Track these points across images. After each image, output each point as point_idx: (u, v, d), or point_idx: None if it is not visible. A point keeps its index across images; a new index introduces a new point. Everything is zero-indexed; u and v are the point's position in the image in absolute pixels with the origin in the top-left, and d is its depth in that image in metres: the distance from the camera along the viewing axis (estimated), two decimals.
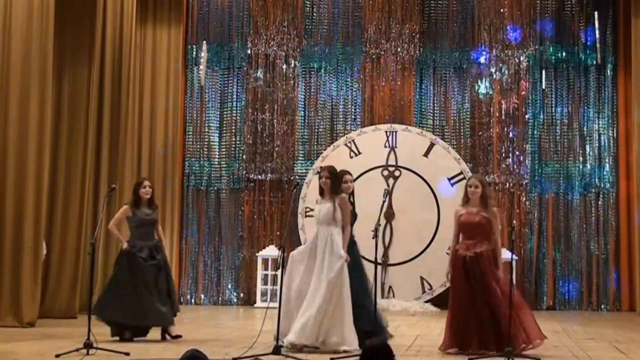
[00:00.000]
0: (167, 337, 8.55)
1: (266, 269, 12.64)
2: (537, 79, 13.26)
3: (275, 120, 13.36)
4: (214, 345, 8.10)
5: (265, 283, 12.62)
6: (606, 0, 13.20)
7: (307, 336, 7.57)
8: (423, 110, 13.37)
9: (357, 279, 7.87)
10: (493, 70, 13.25)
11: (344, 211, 7.88)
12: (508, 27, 13.26)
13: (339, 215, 7.84)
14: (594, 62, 13.10)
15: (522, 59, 13.24)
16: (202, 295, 13.21)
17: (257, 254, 12.89)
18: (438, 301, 12.43)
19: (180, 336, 8.52)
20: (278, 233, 13.00)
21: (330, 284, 7.63)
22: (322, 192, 8.02)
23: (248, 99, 13.44)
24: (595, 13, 12.94)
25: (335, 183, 8.02)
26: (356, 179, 12.51)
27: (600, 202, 12.99)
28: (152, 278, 8.46)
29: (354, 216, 8.17)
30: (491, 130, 13.18)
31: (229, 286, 13.22)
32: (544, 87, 13.23)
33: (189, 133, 13.44)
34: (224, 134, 13.47)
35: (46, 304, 10.37)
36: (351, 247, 7.93)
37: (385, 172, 12.75)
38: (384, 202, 8.02)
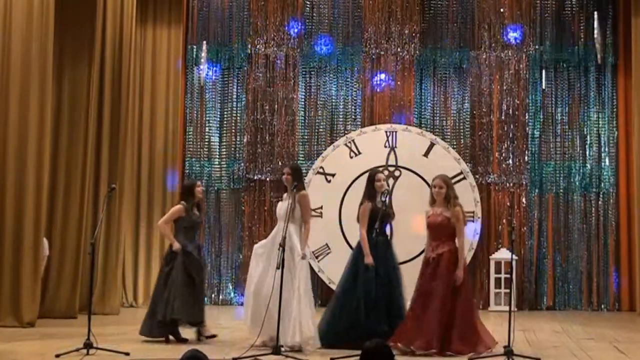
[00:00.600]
0: (202, 337, 8.52)
1: None
2: (537, 79, 13.26)
3: (275, 120, 13.36)
4: (214, 345, 8.10)
5: None
6: (606, 0, 13.20)
7: (272, 334, 7.66)
8: (423, 110, 13.37)
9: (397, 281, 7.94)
10: (493, 70, 13.24)
11: (304, 208, 7.99)
12: (508, 28, 13.25)
13: (298, 212, 7.92)
14: (594, 62, 13.10)
15: (522, 59, 13.23)
16: None
17: None
18: None
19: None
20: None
21: (290, 283, 7.76)
22: (285, 189, 8.11)
23: (248, 99, 13.44)
24: (595, 13, 12.93)
25: (298, 180, 8.06)
26: (356, 179, 12.60)
27: (600, 202, 12.99)
28: (204, 277, 8.73)
29: (389, 215, 8.21)
30: (491, 130, 13.18)
31: (229, 286, 13.22)
32: (544, 87, 13.23)
33: (189, 133, 13.44)
34: (224, 134, 13.47)
35: (46, 304, 10.38)
36: (387, 248, 8.01)
37: (385, 172, 12.74)
38: (384, 202, 8.03)
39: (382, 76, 13.35)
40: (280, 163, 13.22)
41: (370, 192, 8.32)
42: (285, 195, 8.19)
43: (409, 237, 12.64)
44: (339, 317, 8.17)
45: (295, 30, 13.47)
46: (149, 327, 8.47)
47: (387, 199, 8.15)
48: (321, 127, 13.39)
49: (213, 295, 13.22)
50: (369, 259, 8.10)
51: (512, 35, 13.25)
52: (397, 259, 8.56)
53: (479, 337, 7.76)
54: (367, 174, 12.66)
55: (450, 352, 7.57)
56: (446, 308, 7.66)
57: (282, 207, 8.06)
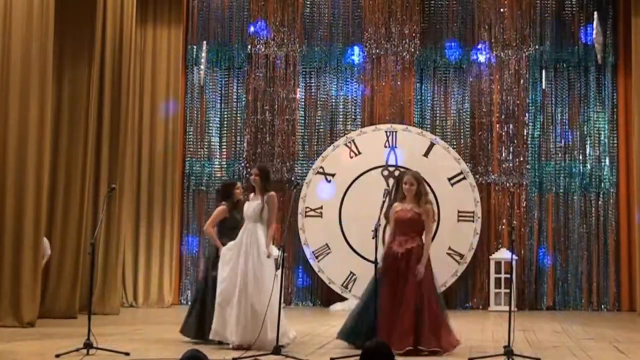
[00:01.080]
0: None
1: None
2: (537, 79, 13.26)
3: (275, 120, 13.36)
4: (214, 345, 8.10)
5: None
6: (606, 0, 13.20)
7: (245, 335, 7.71)
8: (423, 110, 13.37)
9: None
10: (493, 70, 13.24)
11: (271, 209, 8.07)
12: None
13: (266, 214, 7.96)
14: (594, 62, 13.10)
15: (522, 59, 13.23)
16: None
17: None
18: None
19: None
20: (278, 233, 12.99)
21: (259, 283, 7.82)
22: (253, 189, 8.15)
23: (248, 99, 13.44)
24: (595, 13, 12.93)
25: (265, 180, 8.14)
26: (356, 179, 12.61)
27: (600, 202, 12.99)
28: None
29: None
30: (491, 130, 13.18)
31: None
32: (544, 87, 13.23)
33: (189, 133, 13.44)
34: (224, 134, 13.47)
35: (46, 304, 10.37)
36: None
37: (385, 172, 12.74)
38: (384, 202, 8.03)
39: (382, 76, 13.35)
40: (280, 163, 13.23)
41: (398, 194, 8.24)
42: (252, 195, 8.22)
43: None
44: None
45: (296, 31, 13.47)
46: (197, 329, 8.38)
47: (387, 199, 8.11)
48: (321, 127, 13.40)
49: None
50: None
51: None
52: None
53: (445, 333, 7.72)
54: (366, 174, 12.80)
55: (422, 347, 7.54)
56: (417, 303, 7.65)
57: (249, 207, 8.12)
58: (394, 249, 7.88)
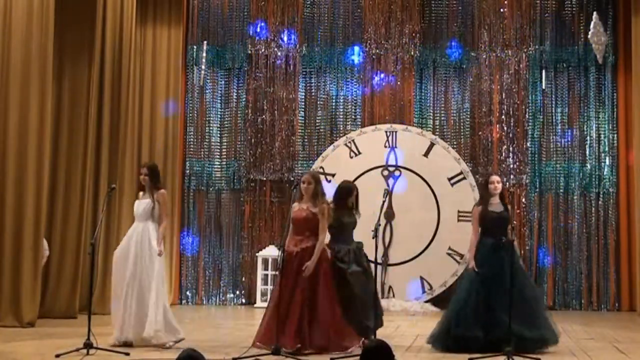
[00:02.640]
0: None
1: (266, 269, 12.64)
2: (537, 79, 13.26)
3: (275, 121, 13.36)
4: (214, 345, 8.10)
5: (266, 283, 12.62)
6: (606, 0, 13.20)
7: (131, 331, 7.77)
8: (423, 110, 13.37)
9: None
10: (493, 70, 13.25)
11: (162, 206, 8.10)
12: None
13: (157, 211, 8.02)
14: (594, 62, 13.10)
15: (522, 59, 13.23)
16: (203, 295, 13.21)
17: (257, 254, 12.90)
18: (438, 301, 12.43)
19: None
20: (278, 233, 12.99)
21: (151, 279, 7.86)
22: (142, 188, 8.22)
23: (248, 99, 13.44)
24: (595, 13, 12.92)
25: (155, 178, 8.19)
26: (356, 179, 12.60)
27: (600, 202, 12.99)
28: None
29: (504, 218, 7.91)
30: (491, 130, 13.18)
31: (229, 286, 13.22)
32: (544, 87, 13.23)
33: (190, 133, 13.45)
34: (225, 134, 13.47)
35: (46, 304, 10.37)
36: (513, 252, 7.78)
37: (385, 172, 12.75)
38: (384, 202, 8.02)
39: (382, 76, 13.35)
40: (280, 163, 13.23)
41: (484, 195, 8.19)
42: (141, 194, 8.28)
43: (409, 236, 12.68)
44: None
45: (295, 31, 13.47)
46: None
47: (387, 199, 8.10)
48: (321, 127, 13.40)
49: (212, 296, 13.22)
50: (471, 264, 8.01)
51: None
52: (519, 265, 8.12)
53: (336, 334, 7.66)
54: (366, 174, 12.80)
55: (311, 350, 7.50)
56: (308, 303, 7.61)
57: (139, 206, 8.16)
58: (289, 248, 7.78)
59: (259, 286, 12.67)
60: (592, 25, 12.82)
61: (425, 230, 12.57)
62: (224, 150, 13.44)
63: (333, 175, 12.77)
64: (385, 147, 12.87)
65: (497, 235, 7.90)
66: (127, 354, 7.27)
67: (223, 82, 13.55)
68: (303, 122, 13.42)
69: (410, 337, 8.98)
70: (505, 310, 7.48)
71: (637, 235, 12.18)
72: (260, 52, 13.46)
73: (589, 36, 12.88)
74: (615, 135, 13.06)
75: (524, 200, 13.03)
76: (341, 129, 13.34)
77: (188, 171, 13.39)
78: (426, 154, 12.81)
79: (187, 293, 13.16)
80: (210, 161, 13.42)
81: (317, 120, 13.41)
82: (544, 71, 13.24)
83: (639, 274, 12.21)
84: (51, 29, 9.94)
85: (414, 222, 12.65)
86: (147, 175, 8.20)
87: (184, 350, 4.56)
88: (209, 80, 13.50)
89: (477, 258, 7.98)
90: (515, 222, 12.60)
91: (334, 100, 13.44)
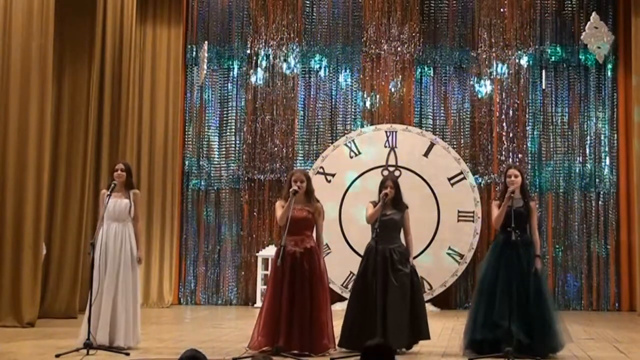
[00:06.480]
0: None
1: (266, 269, 12.63)
2: (537, 79, 13.26)
3: (274, 120, 13.36)
4: (214, 345, 8.10)
5: (265, 283, 12.61)
6: (606, 0, 13.20)
7: (103, 335, 7.63)
8: (423, 110, 13.37)
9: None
10: (493, 70, 13.24)
11: (138, 207, 8.01)
12: None
13: (134, 211, 7.93)
14: (594, 62, 13.10)
15: (522, 58, 13.23)
16: (202, 295, 13.21)
17: (257, 254, 12.91)
18: (438, 301, 12.44)
19: None
20: (278, 233, 12.99)
21: (128, 285, 7.81)
22: (114, 187, 7.91)
23: (248, 99, 13.44)
24: (594, 13, 12.92)
25: (131, 178, 8.10)
26: (356, 179, 12.61)
27: (600, 202, 12.99)
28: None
29: (521, 214, 7.69)
30: (491, 130, 13.18)
31: (229, 286, 13.22)
32: (544, 87, 13.23)
33: (189, 133, 13.45)
34: (224, 134, 13.47)
35: (46, 304, 10.38)
36: (516, 249, 7.60)
37: (385, 172, 12.73)
38: (384, 202, 8.01)
39: (382, 76, 13.34)
40: (280, 163, 13.23)
41: (503, 189, 7.99)
42: (113, 194, 7.91)
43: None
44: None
45: (296, 31, 13.46)
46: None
47: (387, 199, 8.08)
48: (321, 127, 13.39)
49: (212, 296, 13.22)
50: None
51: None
52: (536, 263, 7.76)
53: (319, 335, 7.62)
54: (366, 174, 12.78)
55: (291, 349, 7.42)
56: (308, 303, 7.57)
57: (114, 207, 7.87)
58: (289, 247, 7.59)
59: (259, 286, 12.67)
60: (587, 27, 12.81)
61: (425, 230, 12.55)
62: (223, 150, 13.44)
63: (333, 175, 12.78)
64: (385, 147, 12.87)
65: (514, 230, 7.49)
66: (127, 354, 7.27)
67: (223, 82, 13.54)
68: (303, 122, 13.41)
69: None
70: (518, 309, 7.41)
71: (637, 235, 12.18)
72: (260, 52, 13.46)
73: (581, 37, 12.86)
74: (615, 135, 13.06)
75: None
76: (341, 129, 13.34)
77: (187, 171, 13.39)
78: (426, 154, 12.80)
79: (187, 293, 13.15)
80: (209, 161, 13.42)
81: (317, 120, 13.41)
82: (544, 71, 13.23)
83: (639, 274, 12.21)
84: (51, 29, 9.94)
85: (413, 222, 12.60)
86: (125, 171, 7.99)
87: (186, 350, 4.56)
88: (208, 80, 13.49)
89: (491, 252, 7.89)
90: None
91: (334, 100, 13.44)
